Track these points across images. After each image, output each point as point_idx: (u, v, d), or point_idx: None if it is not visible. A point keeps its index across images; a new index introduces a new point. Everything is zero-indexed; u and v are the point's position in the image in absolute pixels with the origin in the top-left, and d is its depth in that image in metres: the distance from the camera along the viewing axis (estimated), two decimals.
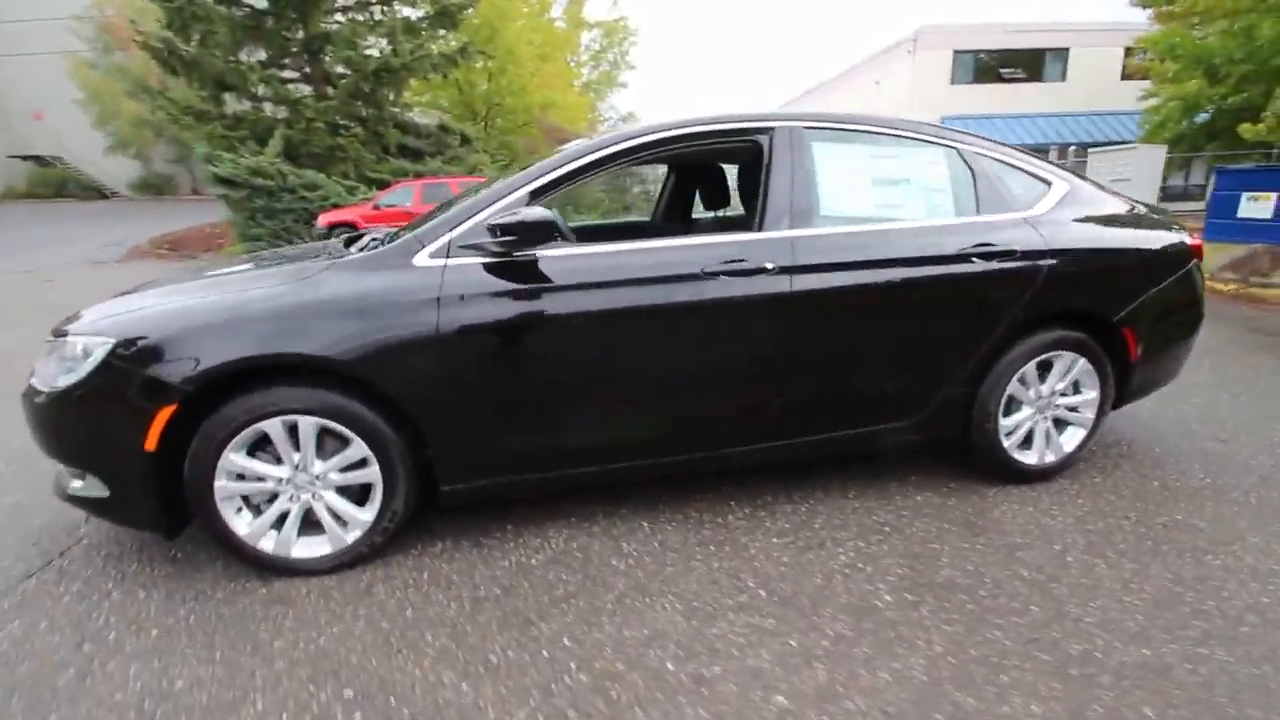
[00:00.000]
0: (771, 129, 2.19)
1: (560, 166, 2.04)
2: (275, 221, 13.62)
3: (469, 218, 1.96)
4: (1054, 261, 2.34)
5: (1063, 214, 2.44)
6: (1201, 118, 12.44)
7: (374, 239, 2.35)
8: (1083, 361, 2.50)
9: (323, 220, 12.70)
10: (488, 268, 1.92)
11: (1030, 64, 23.74)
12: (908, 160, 2.36)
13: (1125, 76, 22.82)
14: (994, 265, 2.28)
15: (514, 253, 1.92)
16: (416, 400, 1.90)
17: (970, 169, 2.38)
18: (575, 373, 2.02)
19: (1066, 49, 23.56)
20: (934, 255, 2.23)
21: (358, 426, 1.88)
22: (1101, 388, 2.56)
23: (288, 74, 15.56)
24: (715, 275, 2.04)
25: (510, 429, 2.01)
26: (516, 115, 22.36)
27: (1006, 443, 2.51)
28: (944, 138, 2.39)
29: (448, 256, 1.91)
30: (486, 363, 1.93)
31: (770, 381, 2.18)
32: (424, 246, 1.93)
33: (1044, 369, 2.49)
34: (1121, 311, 2.46)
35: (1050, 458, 2.59)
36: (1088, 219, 2.48)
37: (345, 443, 1.90)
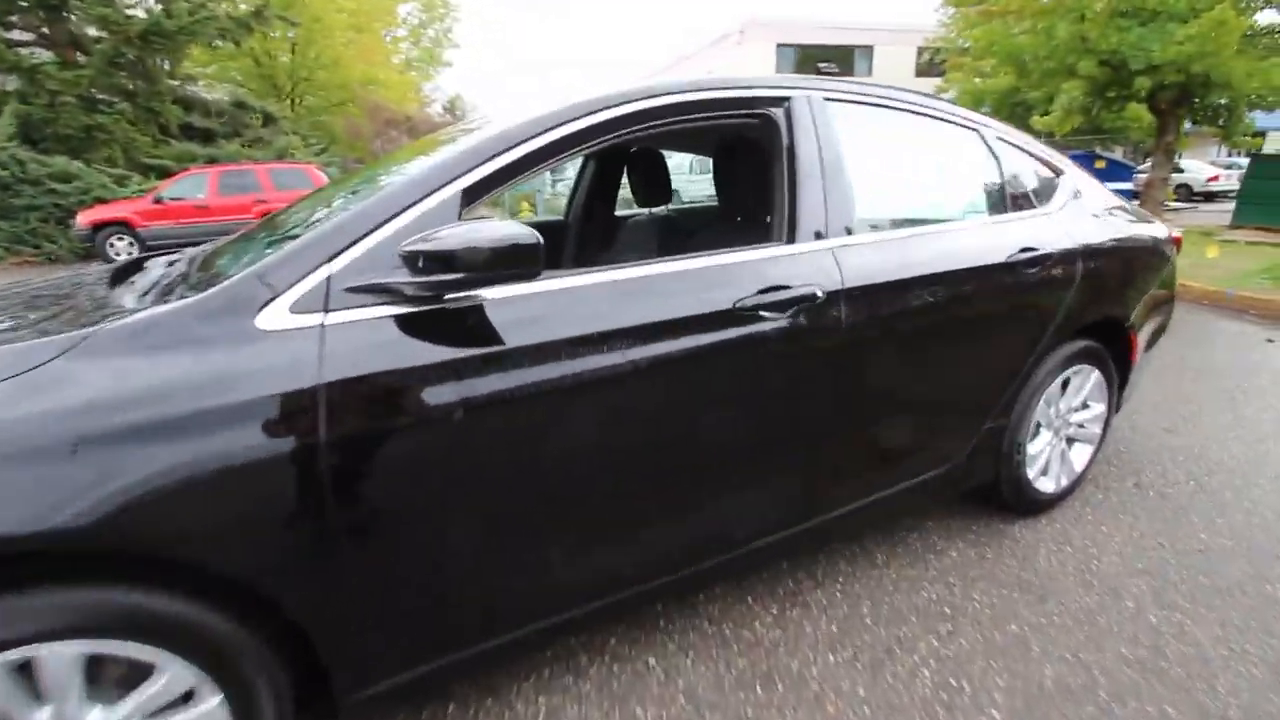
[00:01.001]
0: (788, 99, 1.58)
1: (505, 151, 1.25)
2: (15, 223, 10.65)
3: (359, 238, 1.12)
4: (1085, 264, 2.00)
5: (1081, 208, 2.12)
6: (984, 110, 14.11)
7: (168, 275, 1.40)
8: (1096, 374, 2.23)
9: (83, 219, 10.11)
10: (404, 324, 1.11)
11: (842, 59, 25.62)
12: (938, 145, 1.88)
13: (918, 74, 25.43)
14: (1037, 273, 1.88)
15: (446, 296, 1.13)
16: (287, 577, 1.05)
17: (996, 158, 1.96)
18: (555, 484, 1.28)
19: (871, 46, 25.78)
20: (985, 265, 1.77)
21: (169, 637, 1.00)
22: (1109, 399, 2.31)
23: (17, 35, 12.16)
24: (752, 312, 1.39)
25: (458, 587, 1.23)
26: (330, 92, 19.73)
27: (1030, 473, 2.17)
28: (967, 119, 1.94)
29: (326, 309, 1.07)
30: (412, 494, 1.13)
31: (810, 444, 1.60)
32: (277, 293, 1.06)
33: (1062, 386, 2.17)
34: (1132, 314, 2.21)
35: (1064, 481, 2.31)
36: (1099, 213, 2.19)
37: (147, 671, 1.01)
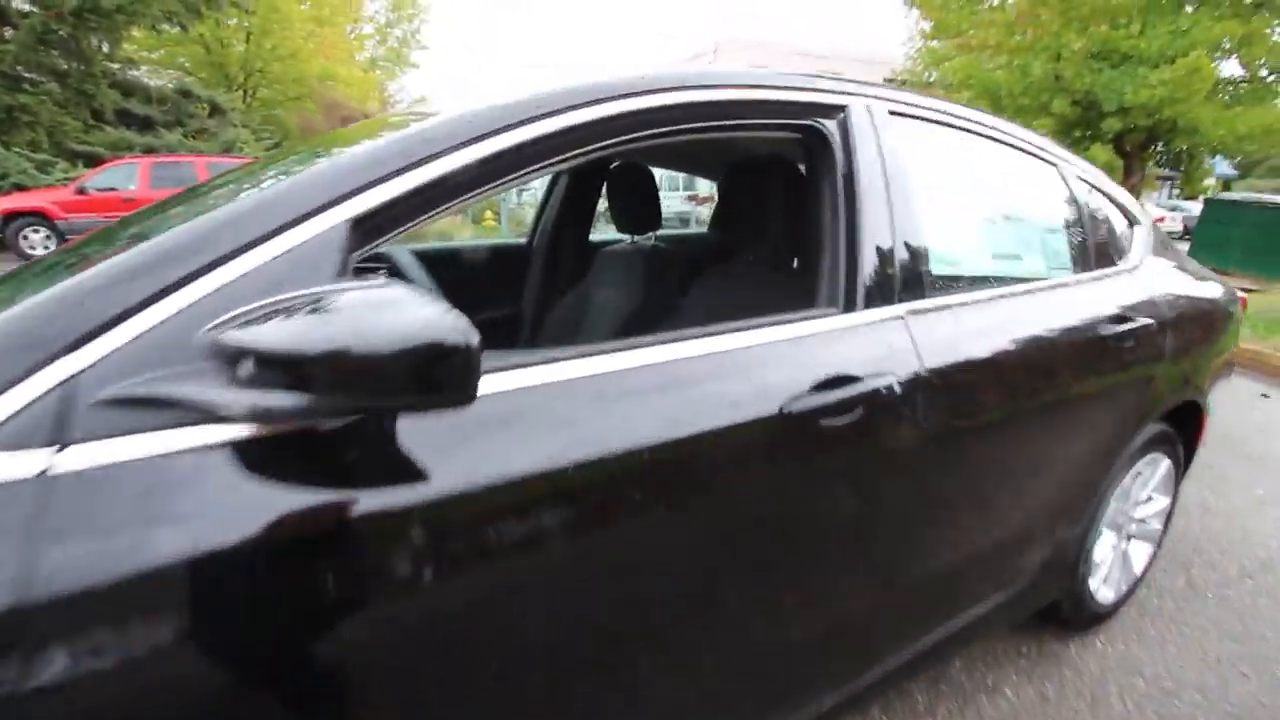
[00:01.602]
0: (844, 107, 1.14)
1: (431, 158, 0.75)
2: None
3: (136, 306, 0.60)
4: (1173, 336, 1.62)
5: (1159, 264, 1.74)
6: None
7: None
8: (1167, 463, 1.85)
9: None
10: (223, 460, 0.60)
11: None
12: (1016, 180, 1.47)
13: None
14: (1129, 347, 1.48)
15: (325, 413, 0.62)
16: None
17: (1076, 201, 1.56)
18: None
19: (841, 71, 26.11)
20: (1079, 338, 1.37)
21: None
22: (1175, 489, 1.94)
23: None
24: (810, 418, 0.93)
25: None
26: (286, 86, 18.80)
27: (1093, 583, 1.77)
28: (1045, 149, 1.54)
29: (61, 440, 0.56)
30: None
31: (867, 581, 1.15)
32: None
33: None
34: (1205, 388, 1.85)
35: (1123, 587, 1.92)
36: (1174, 270, 1.82)
37: None
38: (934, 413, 1.08)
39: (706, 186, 13.30)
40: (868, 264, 1.08)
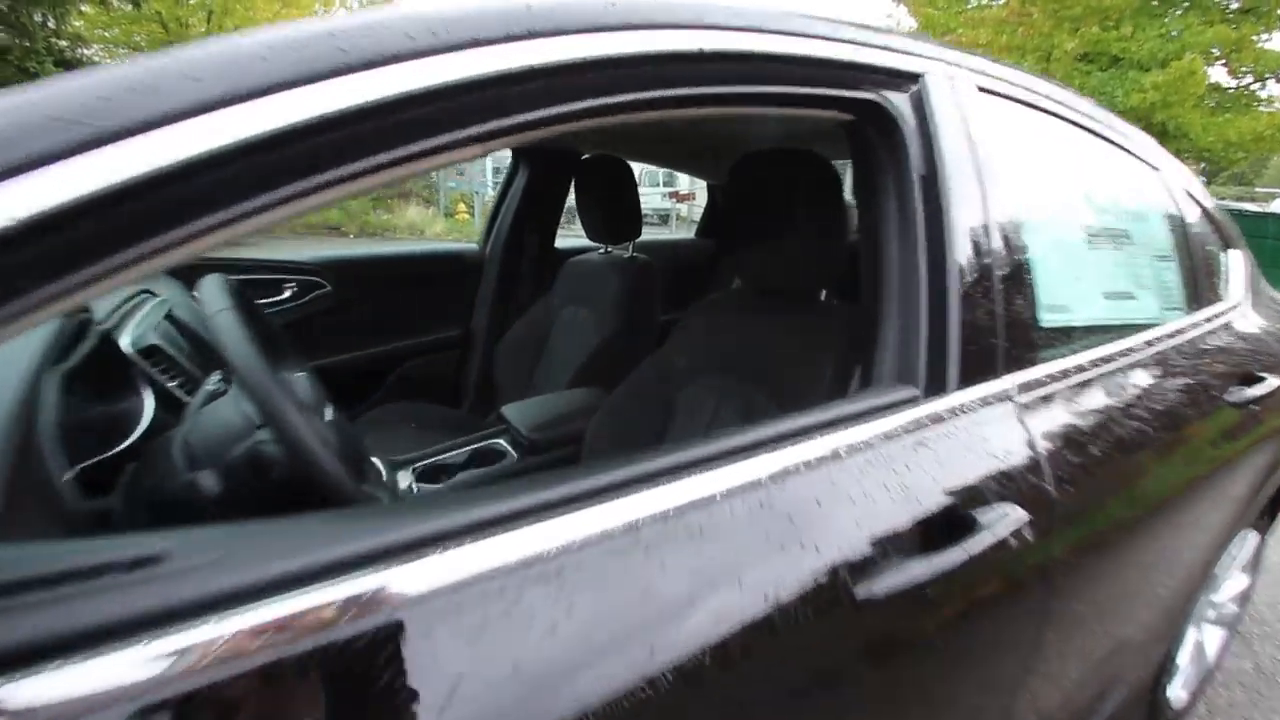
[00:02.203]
0: (919, 75, 0.75)
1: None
2: None
3: None
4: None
5: (1259, 299, 1.40)
6: None
7: None
8: (1254, 537, 1.52)
9: None
10: None
11: None
12: (1120, 189, 1.10)
13: None
14: (1257, 411, 1.13)
15: None
16: None
17: (1183, 219, 1.20)
18: None
19: None
20: (1209, 404, 1.01)
21: None
22: (1255, 566, 1.61)
23: None
24: (896, 605, 0.55)
25: None
26: None
27: (1171, 690, 1.43)
28: (1147, 149, 1.17)
29: None
30: None
31: None
32: None
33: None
34: None
35: (1194, 682, 1.58)
36: (1270, 304, 1.48)
37: None
38: (1059, 550, 0.71)
39: (689, 180, 12.89)
40: (959, 314, 0.70)
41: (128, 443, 0.79)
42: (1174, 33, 8.92)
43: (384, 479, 0.84)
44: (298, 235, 10.42)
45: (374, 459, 1.26)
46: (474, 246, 2.02)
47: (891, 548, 0.55)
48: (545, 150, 1.87)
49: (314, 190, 0.40)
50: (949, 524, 0.59)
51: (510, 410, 1.37)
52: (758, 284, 1.11)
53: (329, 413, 0.77)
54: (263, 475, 0.63)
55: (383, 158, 0.42)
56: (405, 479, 1.26)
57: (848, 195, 0.99)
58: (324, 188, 0.40)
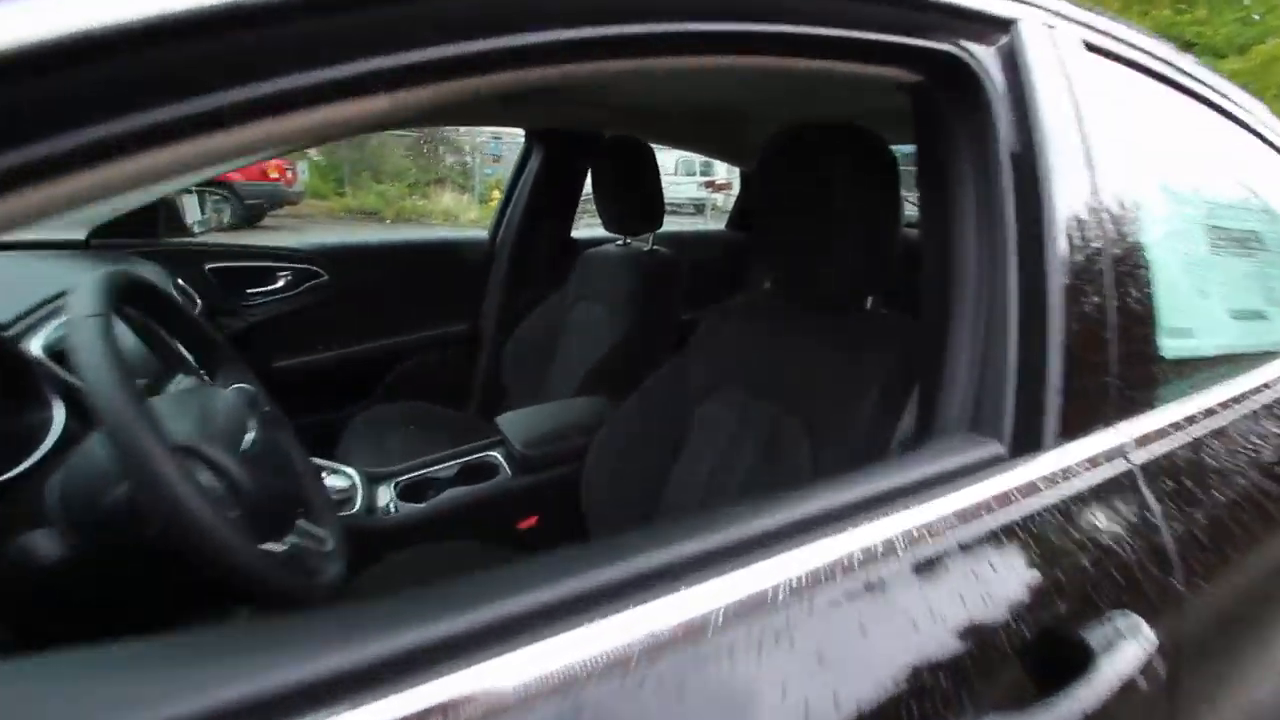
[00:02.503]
0: (1011, 23, 0.57)
1: None
2: None
3: None
4: None
5: None
6: None
7: None
8: None
9: None
10: None
11: None
12: (1250, 179, 0.89)
13: None
14: None
15: None
16: None
17: None
18: None
19: None
20: None
21: None
22: None
23: None
24: None
25: None
26: None
27: None
28: (1276, 131, 0.95)
29: None
30: None
31: None
32: None
33: None
34: None
35: None
36: None
37: None
38: (1192, 681, 0.53)
39: (726, 169, 12.56)
40: (1061, 339, 0.52)
41: (29, 463, 0.67)
42: (1255, 16, 8.28)
43: (320, 531, 0.70)
44: (336, 219, 10.55)
45: (347, 472, 1.14)
46: (483, 236, 1.87)
47: (964, 702, 0.38)
48: (561, 131, 1.71)
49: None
50: (1048, 655, 0.41)
51: (506, 421, 1.22)
52: (791, 287, 0.93)
53: (249, 438, 0.63)
54: (128, 540, 0.49)
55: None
56: (385, 495, 1.13)
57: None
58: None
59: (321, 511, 0.77)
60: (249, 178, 8.58)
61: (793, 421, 0.87)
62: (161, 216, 1.47)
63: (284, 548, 0.66)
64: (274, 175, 8.79)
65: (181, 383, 0.71)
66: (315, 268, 1.63)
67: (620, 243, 1.62)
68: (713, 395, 1.01)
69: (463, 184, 12.27)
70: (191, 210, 1.81)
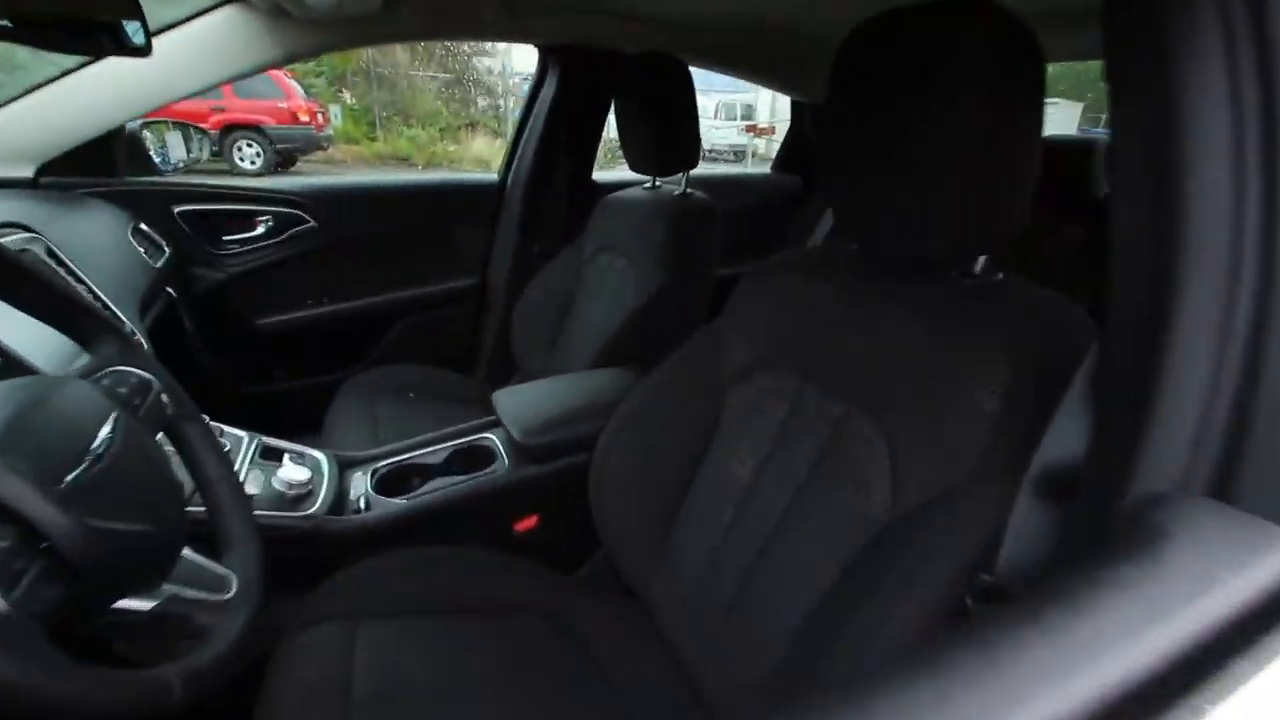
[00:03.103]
0: None
1: None
2: None
3: None
4: None
5: None
6: None
7: None
8: None
9: None
10: None
11: None
12: None
13: None
14: None
15: None
16: None
17: None
18: None
19: None
20: None
21: None
22: None
23: None
24: None
25: None
26: None
27: None
28: None
29: None
30: None
31: None
32: None
33: None
34: None
35: None
36: None
37: None
38: None
39: (770, 113, 11.83)
40: None
41: None
42: None
43: (217, 568, 0.51)
44: (367, 164, 10.38)
45: (314, 456, 0.96)
46: (492, 178, 1.64)
47: None
48: (582, 49, 1.44)
49: None
50: None
51: (503, 400, 1.02)
52: (867, 238, 0.69)
53: (101, 440, 0.44)
54: None
55: None
56: (359, 485, 0.95)
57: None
58: None
59: (230, 537, 0.58)
60: (280, 121, 8.41)
61: (865, 426, 0.64)
62: (120, 152, 1.28)
63: (152, 605, 0.47)
64: (304, 119, 8.62)
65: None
66: (300, 212, 1.43)
67: (648, 185, 1.38)
68: (754, 376, 0.79)
69: (495, 128, 11.92)
70: (175, 147, 1.62)
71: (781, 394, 0.75)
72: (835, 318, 0.71)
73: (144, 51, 0.75)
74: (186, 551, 0.53)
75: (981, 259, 0.63)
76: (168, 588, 0.49)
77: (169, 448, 0.60)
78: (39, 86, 1.11)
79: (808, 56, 1.45)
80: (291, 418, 1.43)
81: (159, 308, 1.17)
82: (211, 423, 0.95)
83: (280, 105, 8.65)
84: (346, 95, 11.66)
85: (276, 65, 1.19)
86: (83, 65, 1.13)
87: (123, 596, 0.45)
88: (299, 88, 9.44)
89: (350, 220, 1.48)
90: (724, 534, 0.77)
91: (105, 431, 0.46)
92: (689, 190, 1.31)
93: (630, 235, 1.32)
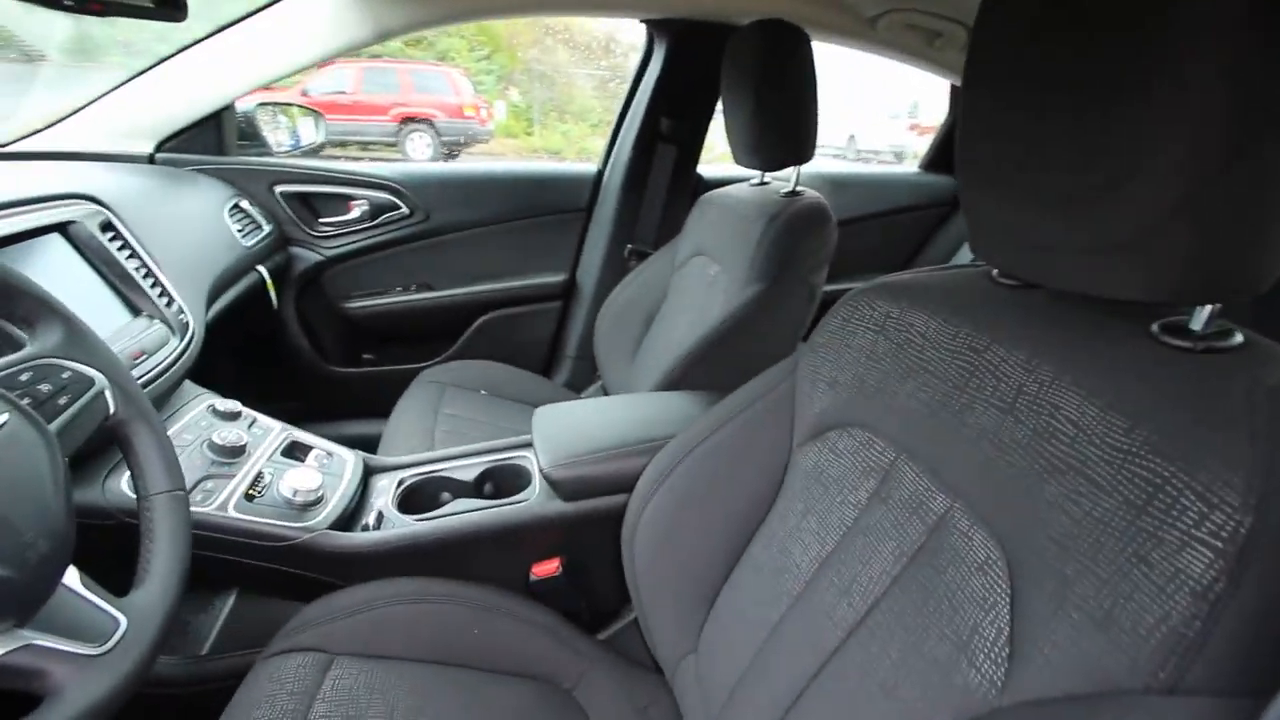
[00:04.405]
0: None
1: None
2: None
3: None
4: None
5: None
6: None
7: None
8: None
9: None
10: None
11: None
12: None
13: None
14: None
15: None
16: None
17: None
18: None
19: None
20: None
21: None
22: None
23: None
24: None
25: None
26: None
27: None
28: None
29: None
30: None
31: None
32: None
33: None
34: None
35: None
36: None
37: None
38: None
39: (934, 114, 10.80)
40: None
41: None
42: None
43: (104, 607, 0.42)
44: (521, 158, 10.92)
45: (339, 454, 0.89)
46: (592, 169, 1.52)
47: None
48: (694, 24, 1.27)
49: None
50: None
51: (542, 417, 0.89)
52: (1021, 262, 0.46)
53: None
54: None
55: None
56: (382, 495, 0.86)
57: None
58: None
59: (145, 568, 0.49)
60: (450, 115, 9.09)
61: (979, 540, 0.42)
62: (227, 131, 1.31)
63: None
64: (470, 114, 9.27)
65: None
66: (394, 198, 1.40)
67: (755, 182, 1.18)
68: (830, 436, 0.58)
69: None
70: (306, 130, 1.67)
71: (866, 469, 0.54)
72: (959, 372, 0.48)
73: (179, 15, 0.69)
74: (74, 581, 0.45)
75: (1205, 309, 0.38)
76: (23, 633, 0.40)
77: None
78: (153, 66, 1.15)
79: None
80: (369, 403, 1.41)
81: (244, 286, 1.17)
82: (246, 410, 0.92)
83: (450, 101, 9.34)
84: (513, 92, 12.33)
85: (368, 43, 1.15)
86: (194, 43, 1.16)
87: None
88: (469, 85, 10.12)
89: (445, 207, 1.43)
90: (771, 635, 0.58)
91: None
92: (799, 189, 1.09)
93: (726, 238, 1.13)
